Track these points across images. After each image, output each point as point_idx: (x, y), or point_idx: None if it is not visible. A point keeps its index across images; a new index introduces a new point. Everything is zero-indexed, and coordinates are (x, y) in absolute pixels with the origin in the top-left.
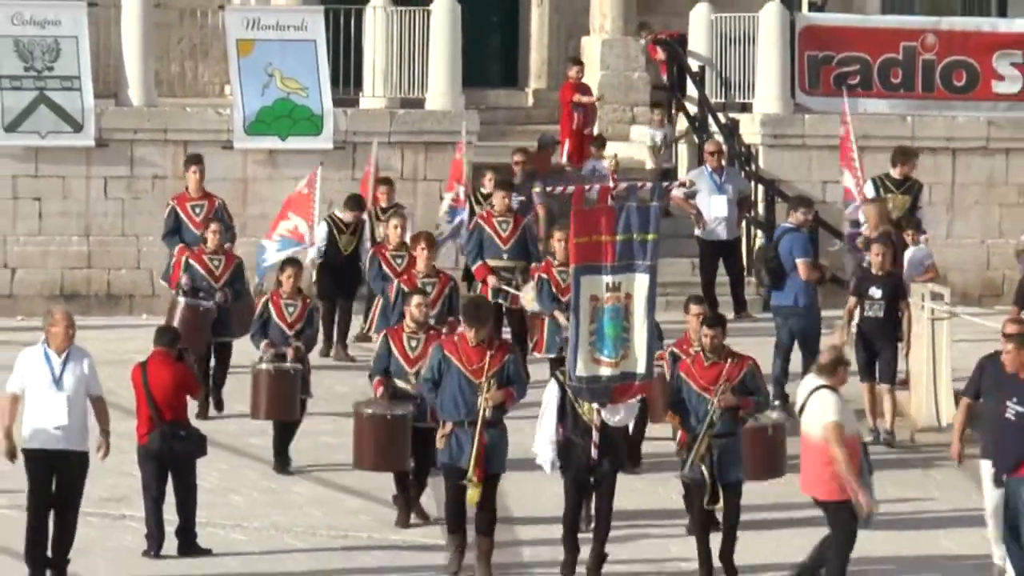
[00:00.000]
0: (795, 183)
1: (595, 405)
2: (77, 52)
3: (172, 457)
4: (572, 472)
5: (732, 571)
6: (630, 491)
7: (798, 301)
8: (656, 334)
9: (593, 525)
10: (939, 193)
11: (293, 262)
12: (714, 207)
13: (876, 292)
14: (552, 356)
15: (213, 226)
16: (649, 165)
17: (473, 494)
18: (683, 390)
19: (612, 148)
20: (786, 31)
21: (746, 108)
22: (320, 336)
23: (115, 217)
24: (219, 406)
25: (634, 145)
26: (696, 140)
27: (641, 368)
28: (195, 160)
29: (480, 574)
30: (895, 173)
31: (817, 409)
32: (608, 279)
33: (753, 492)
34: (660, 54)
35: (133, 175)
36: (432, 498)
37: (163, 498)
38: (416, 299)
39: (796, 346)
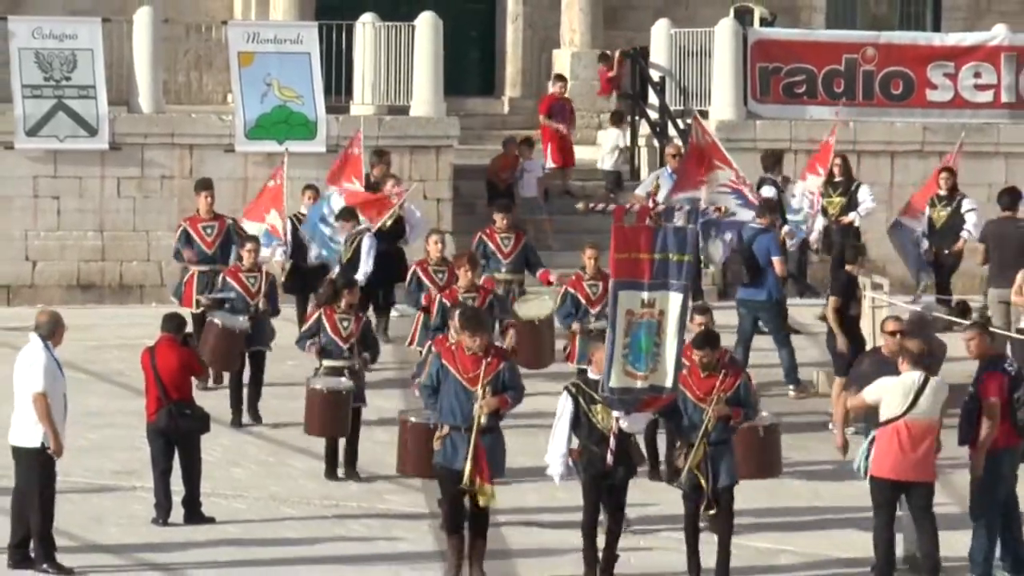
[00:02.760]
0: None
1: (616, 413)
2: (92, 63)
3: (178, 433)
4: (588, 478)
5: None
6: (644, 495)
7: (771, 296)
8: None
9: (606, 528)
10: (879, 193)
11: (351, 282)
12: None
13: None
14: (583, 367)
15: (249, 245)
16: (606, 166)
17: (484, 498)
18: (680, 399)
19: (580, 152)
20: (739, 45)
21: (703, 115)
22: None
23: (127, 214)
24: (257, 419)
25: (601, 149)
26: (656, 144)
27: (669, 383)
28: (205, 185)
29: (474, 574)
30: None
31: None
32: (644, 295)
33: (745, 496)
34: (610, 72)
35: (143, 175)
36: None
37: (170, 471)
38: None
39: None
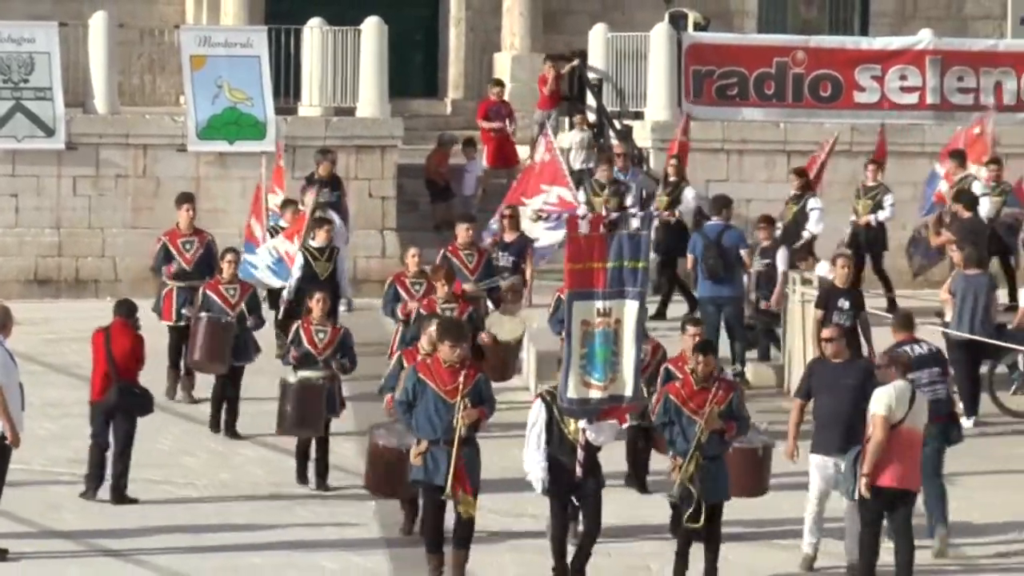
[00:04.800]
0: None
1: (582, 424)
2: (49, 66)
3: (123, 410)
4: (558, 491)
5: None
6: (615, 508)
7: (736, 290)
8: (663, 361)
9: (579, 541)
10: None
11: (322, 287)
12: None
13: (844, 303)
14: None
15: (228, 256)
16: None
17: (466, 508)
18: (671, 412)
19: (523, 152)
20: (674, 48)
21: (638, 116)
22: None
23: (83, 211)
24: (234, 435)
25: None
26: (595, 144)
27: (628, 391)
28: (187, 199)
29: None
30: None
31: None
32: (599, 304)
33: (735, 506)
34: (549, 74)
35: (99, 174)
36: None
37: (108, 447)
38: (434, 321)
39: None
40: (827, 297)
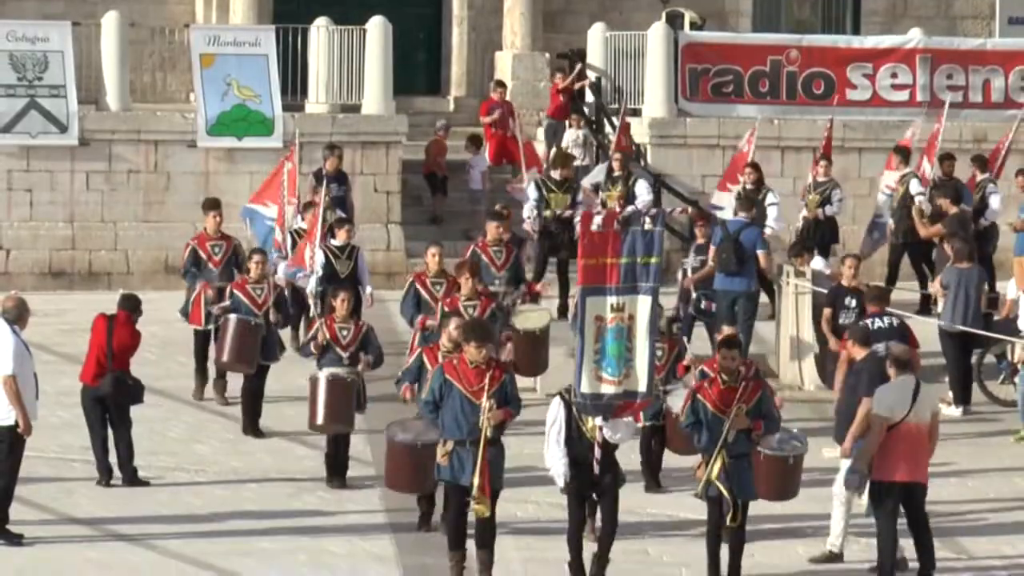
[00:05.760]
0: (678, 177)
1: (598, 422)
2: (63, 64)
3: (117, 399)
4: (575, 488)
5: None
6: (633, 505)
7: (750, 286)
8: (681, 358)
9: (598, 538)
10: (801, 186)
11: (344, 286)
12: None
13: (851, 302)
14: None
15: (256, 257)
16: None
17: (481, 509)
18: (700, 411)
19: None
20: (670, 47)
21: (636, 113)
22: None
23: (96, 206)
24: (259, 434)
25: (540, 145)
26: (594, 141)
27: (642, 387)
28: (214, 205)
29: None
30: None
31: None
32: (612, 300)
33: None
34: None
35: (111, 170)
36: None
37: (108, 437)
38: (455, 320)
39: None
40: (834, 296)
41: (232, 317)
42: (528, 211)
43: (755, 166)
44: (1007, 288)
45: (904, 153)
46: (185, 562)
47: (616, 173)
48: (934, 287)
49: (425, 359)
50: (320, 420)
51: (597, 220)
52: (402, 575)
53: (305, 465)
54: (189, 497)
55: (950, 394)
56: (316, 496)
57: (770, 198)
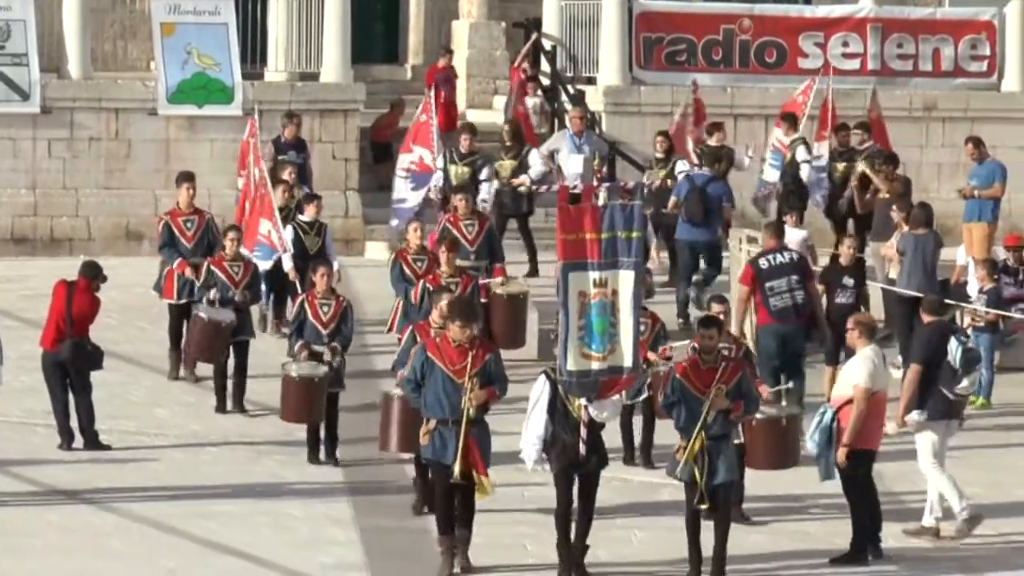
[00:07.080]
0: (632, 144)
1: (583, 402)
2: (25, 33)
3: (77, 364)
4: (560, 468)
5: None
6: (611, 486)
7: (714, 236)
8: (662, 333)
9: (576, 518)
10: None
11: (325, 262)
12: (571, 165)
13: (848, 281)
14: None
15: (231, 234)
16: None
17: (483, 488)
18: (678, 391)
19: (477, 116)
20: (624, 16)
21: (591, 81)
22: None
23: (57, 173)
24: (243, 410)
25: (496, 113)
26: (549, 108)
27: (627, 362)
28: (187, 178)
29: (460, 562)
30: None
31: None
32: (595, 275)
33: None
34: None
35: (73, 137)
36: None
37: (68, 402)
38: (446, 296)
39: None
40: (831, 274)
41: (203, 316)
42: (435, 181)
43: (718, 125)
44: (956, 254)
45: (792, 119)
46: (147, 525)
47: (508, 143)
48: (888, 252)
49: (418, 336)
50: (290, 418)
51: (602, 195)
52: (360, 537)
53: (264, 430)
54: (150, 461)
55: (899, 358)
56: (275, 460)
57: (680, 166)
